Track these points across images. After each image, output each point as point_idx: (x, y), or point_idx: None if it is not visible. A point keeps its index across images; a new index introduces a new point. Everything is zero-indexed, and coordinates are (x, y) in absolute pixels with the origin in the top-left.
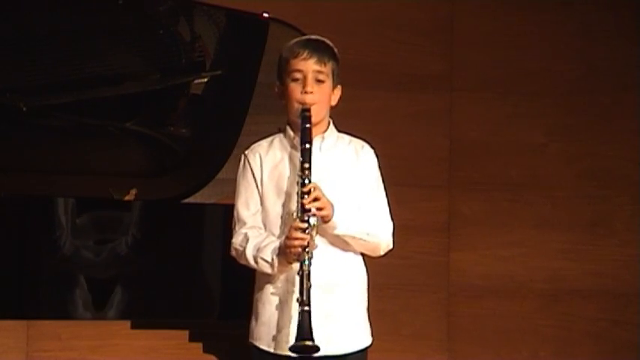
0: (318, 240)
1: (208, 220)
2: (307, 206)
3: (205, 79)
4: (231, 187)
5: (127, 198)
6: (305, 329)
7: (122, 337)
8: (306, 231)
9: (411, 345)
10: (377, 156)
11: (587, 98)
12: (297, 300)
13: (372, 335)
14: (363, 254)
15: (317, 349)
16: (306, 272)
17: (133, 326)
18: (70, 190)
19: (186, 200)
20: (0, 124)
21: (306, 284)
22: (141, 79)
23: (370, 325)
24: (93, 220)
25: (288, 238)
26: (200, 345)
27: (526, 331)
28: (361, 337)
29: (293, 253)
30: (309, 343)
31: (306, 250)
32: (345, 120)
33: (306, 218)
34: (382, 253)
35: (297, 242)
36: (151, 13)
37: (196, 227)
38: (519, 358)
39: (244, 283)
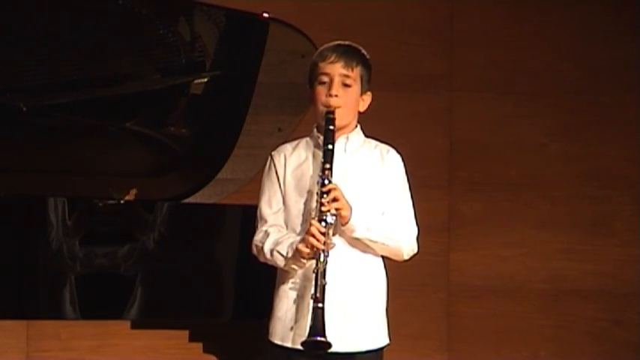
0: (339, 240)
1: (212, 220)
2: (325, 207)
3: (205, 79)
4: (232, 187)
5: (127, 198)
6: (317, 326)
7: (122, 337)
8: (323, 230)
9: (411, 345)
10: (404, 161)
11: (587, 98)
12: (312, 297)
13: (389, 337)
14: (384, 256)
15: (329, 345)
16: (321, 270)
17: (133, 326)
18: (70, 191)
19: (187, 200)
20: (0, 124)
21: (321, 282)
22: (141, 79)
23: (388, 326)
24: (93, 220)
25: (305, 235)
26: (200, 345)
27: (526, 331)
28: (376, 337)
29: (307, 251)
30: (321, 339)
31: (322, 248)
32: None
33: (324, 217)
34: (406, 257)
35: (313, 240)
36: (151, 13)
37: (197, 227)
38: (519, 358)
39: (255, 283)
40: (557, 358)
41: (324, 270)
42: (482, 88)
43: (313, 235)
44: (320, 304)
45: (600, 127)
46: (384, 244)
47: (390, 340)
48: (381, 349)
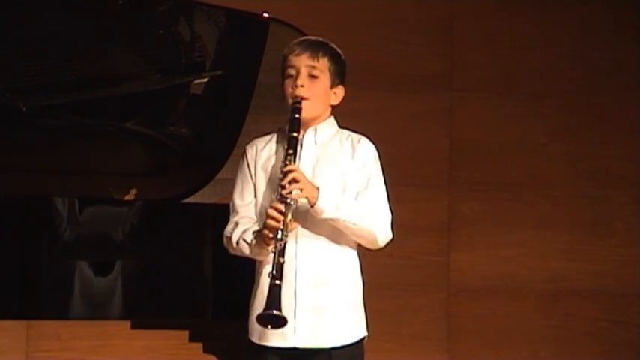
0: (308, 233)
1: (208, 220)
2: (285, 189)
3: (205, 79)
4: (232, 187)
5: (127, 198)
6: (273, 300)
7: (122, 337)
8: (282, 209)
9: (411, 345)
10: (377, 149)
11: (587, 98)
12: (269, 275)
13: (367, 329)
14: (359, 249)
15: (284, 320)
16: (279, 248)
17: (133, 326)
18: (70, 190)
19: (186, 200)
20: (0, 124)
21: (279, 259)
22: (141, 79)
23: (366, 318)
24: (93, 220)
25: (266, 217)
26: (200, 345)
27: (526, 331)
28: (352, 331)
29: (269, 232)
30: (276, 312)
31: (281, 228)
32: (345, 120)
33: (284, 199)
34: (381, 244)
35: (272, 221)
36: (151, 13)
37: (196, 227)
38: (519, 358)
39: (243, 283)
40: (557, 358)
41: (283, 248)
42: (483, 88)
43: (272, 217)
44: (277, 281)
45: (600, 127)
46: (355, 224)
47: (368, 332)
48: (359, 342)
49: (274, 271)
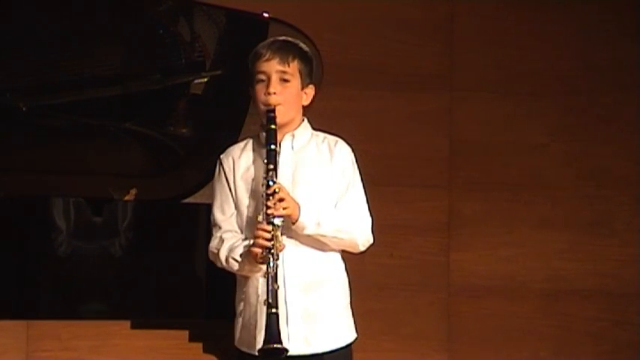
0: (292, 241)
1: (208, 220)
2: (271, 209)
3: (205, 79)
4: None
5: (126, 198)
6: (273, 332)
7: (122, 337)
8: (271, 233)
9: (411, 345)
10: (353, 151)
11: (587, 98)
12: (264, 303)
13: (356, 331)
14: (343, 251)
15: (285, 351)
16: (272, 274)
17: (133, 326)
18: (70, 190)
19: (186, 200)
20: (0, 124)
21: (273, 286)
22: (141, 79)
23: (354, 321)
24: (92, 220)
25: (254, 239)
26: (200, 345)
27: (526, 331)
28: (343, 334)
29: (258, 255)
30: (277, 346)
31: (272, 252)
32: (344, 120)
33: (271, 220)
34: (362, 248)
35: (261, 244)
36: (151, 13)
37: (195, 227)
38: (519, 358)
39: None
40: (557, 358)
41: (276, 274)
42: (483, 88)
43: (261, 237)
44: (274, 310)
45: (600, 127)
46: (336, 237)
47: (357, 334)
48: (349, 345)
49: (270, 300)
